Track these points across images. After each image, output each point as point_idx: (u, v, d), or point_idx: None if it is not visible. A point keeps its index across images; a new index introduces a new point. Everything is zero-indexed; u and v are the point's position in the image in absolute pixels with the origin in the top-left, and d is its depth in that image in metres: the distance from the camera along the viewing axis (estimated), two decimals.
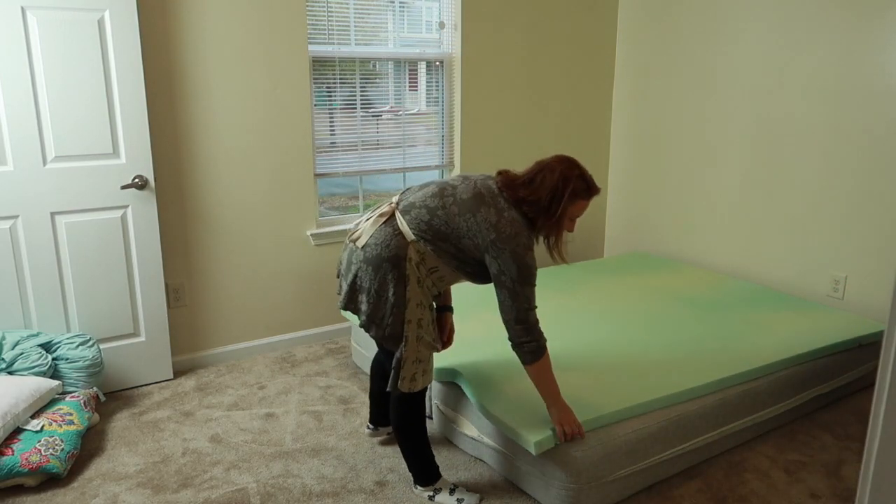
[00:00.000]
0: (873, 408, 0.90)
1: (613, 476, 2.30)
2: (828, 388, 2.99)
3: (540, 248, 2.20)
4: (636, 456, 2.35)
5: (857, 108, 3.35)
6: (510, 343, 2.17)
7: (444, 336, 2.46)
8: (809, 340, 2.95)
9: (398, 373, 2.18)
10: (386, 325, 2.15)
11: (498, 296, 2.12)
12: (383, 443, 2.73)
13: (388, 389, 2.25)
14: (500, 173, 2.22)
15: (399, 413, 2.30)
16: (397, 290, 2.11)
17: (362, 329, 2.24)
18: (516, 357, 2.71)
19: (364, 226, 2.21)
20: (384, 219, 2.16)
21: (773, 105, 3.70)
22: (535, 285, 2.11)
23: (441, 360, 2.76)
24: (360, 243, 2.16)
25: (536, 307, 2.14)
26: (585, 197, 2.17)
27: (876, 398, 0.89)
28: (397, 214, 2.15)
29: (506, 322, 2.14)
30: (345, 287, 2.24)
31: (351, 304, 2.24)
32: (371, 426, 2.76)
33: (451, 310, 2.48)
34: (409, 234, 2.12)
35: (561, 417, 2.19)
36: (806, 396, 2.90)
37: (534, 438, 2.17)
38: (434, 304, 2.33)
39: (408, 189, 2.27)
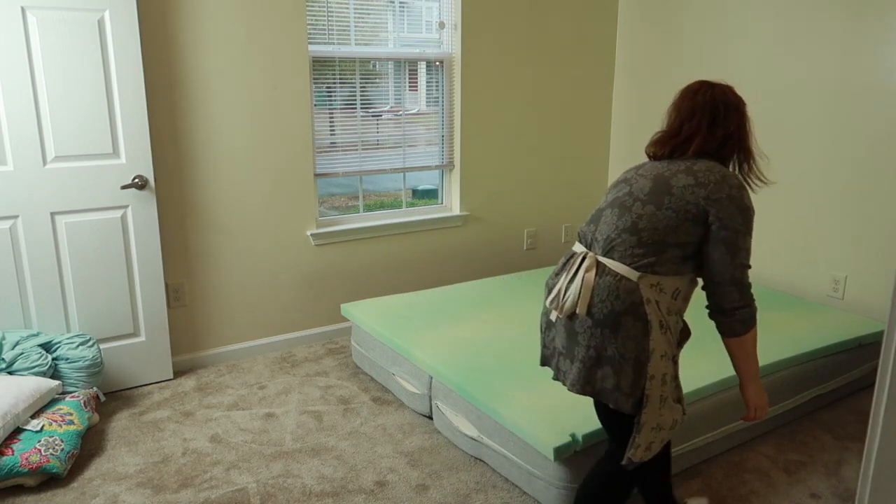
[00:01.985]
0: (873, 408, 0.89)
1: None
2: (828, 388, 2.99)
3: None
4: None
5: (858, 107, 3.35)
6: (715, 311, 1.80)
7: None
8: (809, 340, 2.95)
9: (633, 441, 1.79)
10: (627, 388, 1.76)
11: (711, 255, 1.76)
12: None
13: (622, 463, 1.83)
14: (656, 147, 1.91)
15: (603, 486, 1.93)
16: (641, 343, 1.74)
17: (608, 405, 1.82)
18: (522, 359, 2.73)
19: (573, 291, 1.79)
20: (592, 273, 1.79)
21: (773, 105, 3.69)
22: (752, 236, 1.80)
23: (442, 361, 2.76)
24: (581, 310, 1.77)
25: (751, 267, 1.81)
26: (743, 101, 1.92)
27: (876, 398, 0.89)
28: (603, 261, 1.79)
29: (717, 285, 1.77)
30: (574, 367, 1.82)
31: (589, 385, 1.80)
32: None
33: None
34: (631, 271, 1.75)
35: (757, 400, 1.86)
36: (806, 396, 2.90)
37: (553, 444, 2.16)
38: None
39: (581, 235, 1.92)
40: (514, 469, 2.42)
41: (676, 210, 1.76)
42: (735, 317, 1.78)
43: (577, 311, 1.78)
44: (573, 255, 1.89)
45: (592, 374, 1.79)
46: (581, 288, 1.78)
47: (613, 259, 1.78)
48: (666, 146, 1.88)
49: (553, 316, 1.87)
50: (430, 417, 2.92)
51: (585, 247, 1.88)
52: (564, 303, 1.81)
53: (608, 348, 1.75)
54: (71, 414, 2.66)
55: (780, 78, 3.64)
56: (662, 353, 1.76)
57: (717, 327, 1.82)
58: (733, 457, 2.66)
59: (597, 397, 1.80)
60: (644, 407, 1.76)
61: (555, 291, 1.86)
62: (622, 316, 1.73)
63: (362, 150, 3.82)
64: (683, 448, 2.49)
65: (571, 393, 1.91)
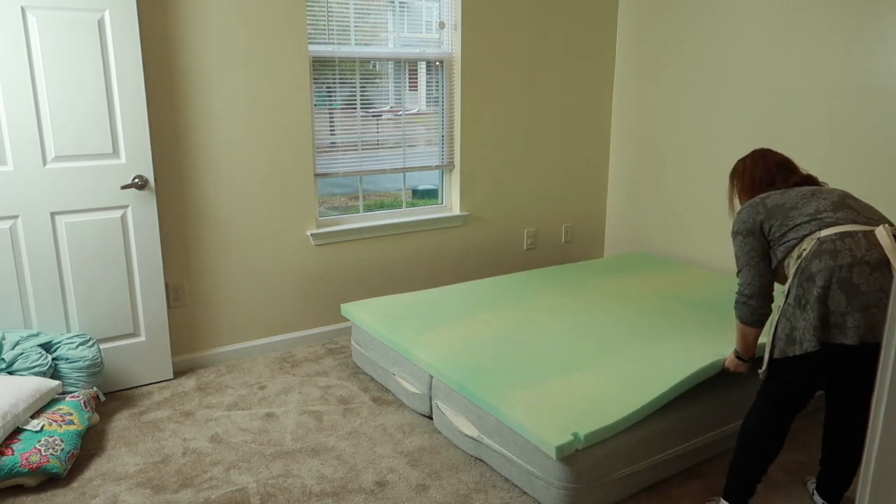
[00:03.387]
0: (873, 408, 0.89)
1: (613, 476, 2.30)
2: None
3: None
4: (636, 456, 2.35)
5: (858, 108, 3.35)
6: None
7: None
8: None
9: None
10: None
11: None
12: None
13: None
14: (784, 184, 2.32)
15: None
16: None
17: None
18: (523, 358, 2.73)
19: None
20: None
21: (773, 105, 3.69)
22: None
23: (442, 361, 2.76)
24: None
25: None
26: None
27: (876, 398, 0.89)
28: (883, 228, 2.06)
29: None
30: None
31: None
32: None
33: None
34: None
35: None
36: None
37: (555, 443, 2.16)
38: None
39: (849, 219, 2.09)
40: (514, 469, 2.42)
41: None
42: None
43: None
44: (865, 232, 2.05)
45: None
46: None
47: (885, 226, 2.07)
48: (793, 177, 2.32)
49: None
50: (430, 417, 2.92)
51: (863, 224, 2.09)
52: None
53: None
54: (71, 414, 2.67)
55: (780, 78, 3.64)
56: None
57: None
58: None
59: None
60: None
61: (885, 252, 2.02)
62: None
63: (362, 150, 3.82)
64: (684, 448, 2.49)
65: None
